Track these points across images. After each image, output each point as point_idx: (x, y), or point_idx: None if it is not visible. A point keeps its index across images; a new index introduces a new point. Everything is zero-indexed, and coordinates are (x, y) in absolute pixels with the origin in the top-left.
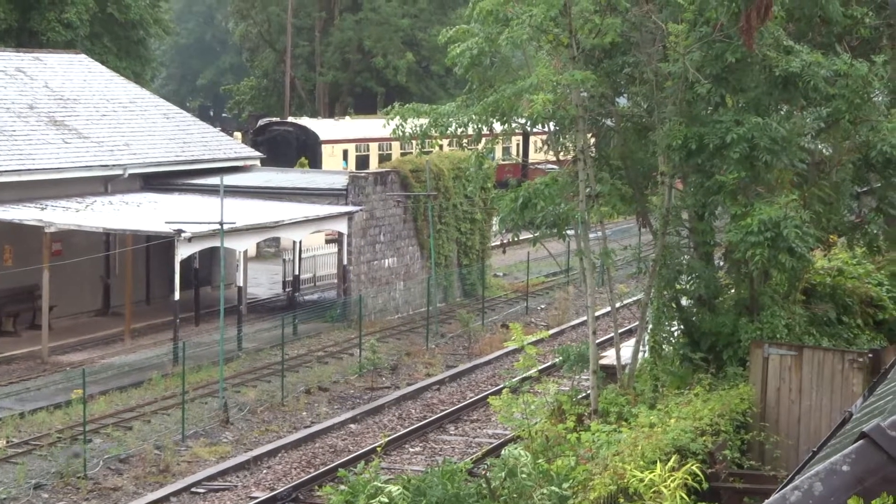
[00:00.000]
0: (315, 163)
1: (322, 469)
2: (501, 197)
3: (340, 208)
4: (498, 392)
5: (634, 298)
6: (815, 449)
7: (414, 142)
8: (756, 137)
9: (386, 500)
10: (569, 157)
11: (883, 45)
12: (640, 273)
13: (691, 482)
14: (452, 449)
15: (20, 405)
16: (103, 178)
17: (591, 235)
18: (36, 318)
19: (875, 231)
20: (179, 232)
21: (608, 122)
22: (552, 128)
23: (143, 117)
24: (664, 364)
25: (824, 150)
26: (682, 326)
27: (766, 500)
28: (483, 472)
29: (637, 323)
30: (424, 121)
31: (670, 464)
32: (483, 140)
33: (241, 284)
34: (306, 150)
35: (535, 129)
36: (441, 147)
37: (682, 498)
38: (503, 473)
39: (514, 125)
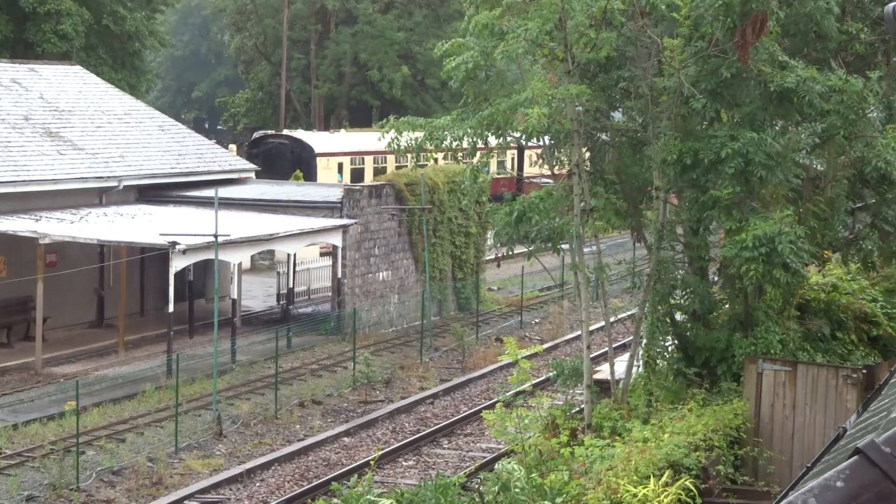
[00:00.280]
0: (310, 175)
1: (315, 482)
2: (496, 210)
3: (335, 221)
4: (492, 406)
5: (629, 313)
6: (809, 465)
7: (409, 155)
8: (751, 153)
9: None
10: (564, 171)
11: (878, 61)
12: (635, 288)
13: (685, 497)
14: (446, 463)
15: (13, 416)
16: (98, 189)
17: (586, 250)
18: (30, 330)
19: (869, 247)
20: (174, 244)
21: (603, 136)
22: (547, 142)
23: (138, 129)
24: (658, 379)
25: (819, 166)
26: (676, 341)
27: None
28: (476, 487)
29: (631, 337)
30: (419, 134)
31: (664, 479)
32: (478, 154)
33: (236, 297)
34: (301, 163)
35: (530, 143)
36: (436, 160)
37: None
38: (496, 488)
39: (509, 139)
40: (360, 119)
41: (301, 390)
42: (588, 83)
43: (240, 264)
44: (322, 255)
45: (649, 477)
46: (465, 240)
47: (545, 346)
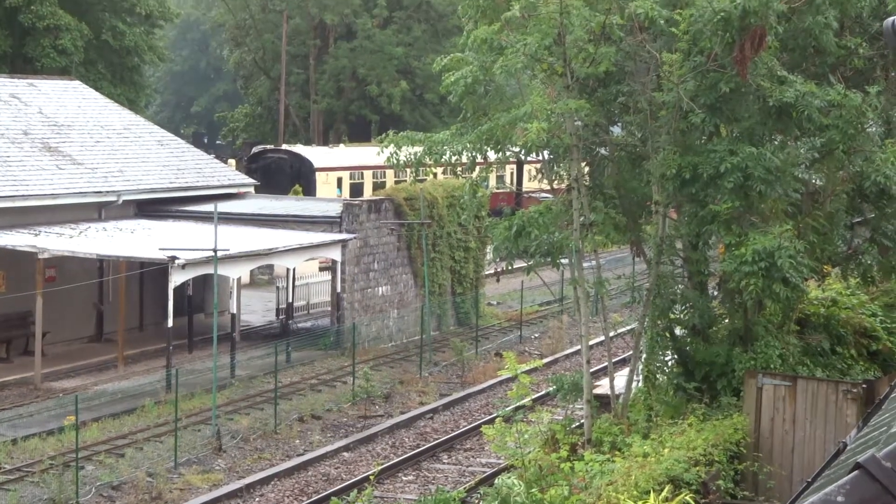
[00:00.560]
0: (309, 190)
1: (315, 497)
2: (495, 225)
3: (334, 236)
4: (491, 421)
5: (628, 328)
6: (809, 479)
7: (408, 170)
8: (750, 167)
9: None
10: (563, 185)
11: (877, 76)
12: (635, 302)
13: None
14: (446, 478)
15: (12, 431)
16: (97, 204)
17: (586, 264)
18: (29, 345)
19: (869, 262)
20: (173, 259)
21: (602, 150)
22: (546, 156)
23: (137, 144)
24: (658, 394)
25: (818, 181)
26: (676, 356)
27: None
28: (476, 502)
29: (631, 352)
30: (418, 149)
31: (664, 494)
32: (477, 168)
33: (235, 311)
34: (300, 178)
35: (529, 158)
36: (435, 175)
37: None
38: (496, 503)
39: (508, 153)
40: (359, 134)
41: (300, 405)
42: (587, 98)
43: (239, 279)
44: (321, 269)
45: (649, 492)
46: (464, 254)
47: (545, 360)
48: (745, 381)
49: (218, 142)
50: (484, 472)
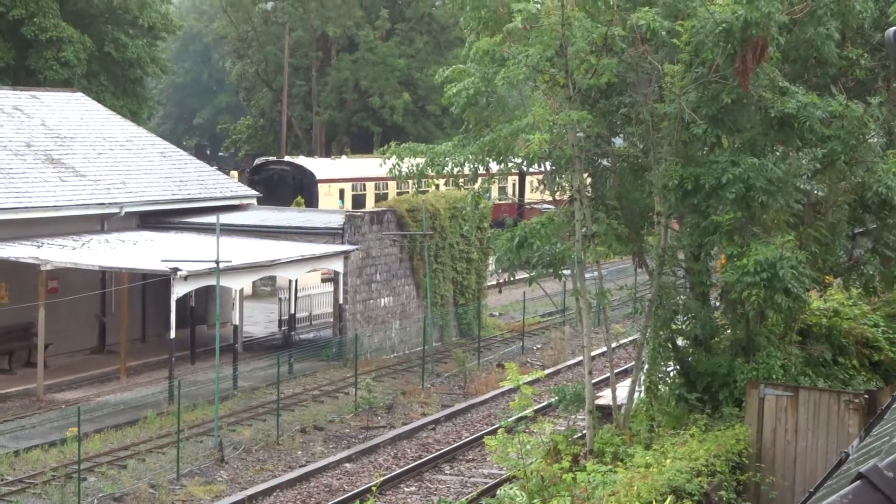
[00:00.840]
0: (311, 202)
1: None
2: (498, 236)
3: (337, 247)
4: (494, 432)
5: (630, 338)
6: (811, 490)
7: (410, 181)
8: (752, 178)
9: None
10: (565, 196)
11: (878, 87)
12: (637, 313)
13: None
14: (448, 489)
15: (15, 443)
16: (100, 216)
17: (588, 275)
18: (31, 356)
19: (871, 272)
20: (175, 270)
21: (604, 162)
22: (548, 167)
23: (139, 156)
24: (660, 404)
25: (820, 192)
26: (678, 367)
27: None
28: None
29: (633, 363)
30: (421, 160)
31: None
32: (479, 180)
33: (237, 323)
34: (303, 189)
35: (531, 169)
36: (437, 186)
37: None
38: None
39: (510, 165)
40: (362, 145)
41: (303, 416)
42: (589, 109)
43: (241, 290)
44: (324, 280)
45: (651, 503)
46: (466, 265)
47: (547, 371)
48: (747, 391)
49: (220, 153)
50: (486, 483)
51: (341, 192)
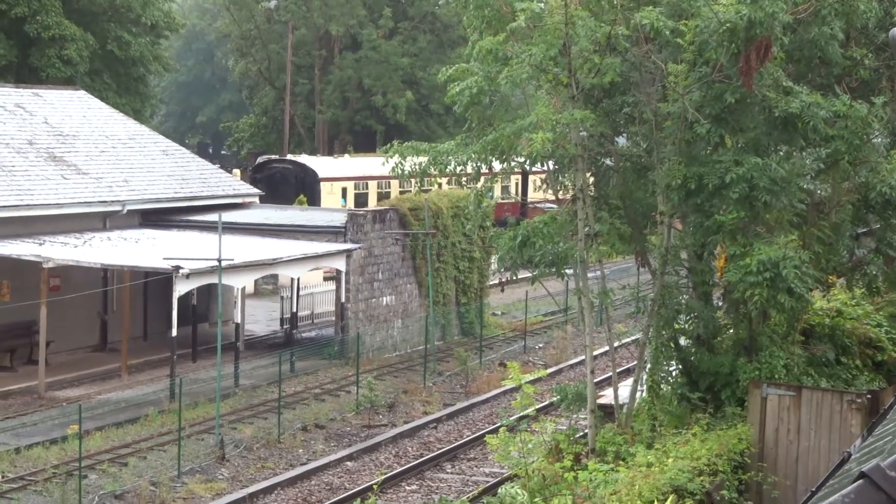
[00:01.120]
0: (314, 200)
1: None
2: (500, 235)
3: (339, 246)
4: (495, 431)
5: (633, 338)
6: (813, 489)
7: (413, 180)
8: (755, 178)
9: None
10: (568, 196)
11: (882, 87)
12: (639, 312)
13: None
14: (449, 487)
15: (16, 440)
16: (102, 213)
17: (590, 275)
18: (33, 354)
19: (874, 272)
20: (177, 268)
21: (607, 161)
22: (551, 167)
23: (142, 154)
24: (662, 404)
25: (823, 191)
26: (680, 366)
27: None
28: None
29: (635, 362)
30: (423, 159)
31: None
32: (482, 178)
33: (239, 321)
34: (305, 188)
35: (534, 168)
36: (440, 185)
37: None
38: None
39: (513, 164)
40: (364, 144)
41: (304, 414)
42: (592, 108)
43: (243, 289)
44: (326, 279)
45: (653, 502)
46: (468, 264)
47: (549, 370)
48: (750, 391)
49: (223, 152)
50: (487, 482)
51: (344, 190)
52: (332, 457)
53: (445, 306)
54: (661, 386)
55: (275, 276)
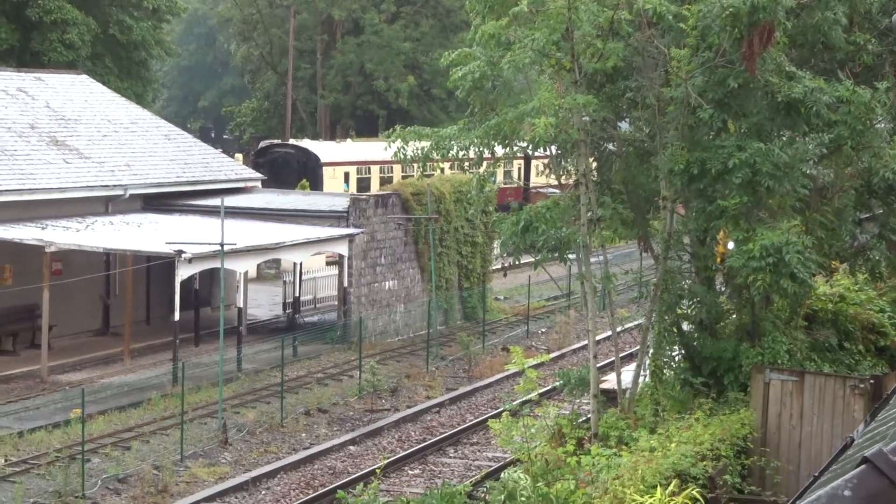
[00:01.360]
0: (316, 185)
1: (321, 491)
2: (503, 220)
3: (341, 230)
4: (498, 415)
5: (635, 323)
6: (816, 474)
7: (415, 165)
8: (758, 163)
9: None
10: (570, 180)
11: (885, 72)
12: (642, 297)
13: None
14: (452, 471)
15: (19, 424)
16: (104, 198)
17: (593, 259)
18: (35, 338)
19: (877, 257)
20: (180, 253)
21: (610, 146)
22: (554, 151)
23: (144, 138)
24: (665, 388)
25: (826, 177)
26: (683, 351)
27: None
28: (482, 496)
29: (638, 347)
30: (426, 144)
31: (670, 488)
32: (484, 163)
33: (241, 305)
34: (307, 172)
35: (536, 153)
36: (442, 170)
37: None
38: (503, 497)
39: (515, 149)
40: (367, 129)
41: (307, 399)
42: (595, 93)
43: (246, 273)
44: (328, 264)
45: (656, 486)
46: (471, 249)
47: (552, 355)
48: (753, 376)
49: (225, 136)
50: (490, 467)
51: (346, 175)
52: (335, 441)
53: (448, 291)
54: (664, 371)
55: (277, 261)
